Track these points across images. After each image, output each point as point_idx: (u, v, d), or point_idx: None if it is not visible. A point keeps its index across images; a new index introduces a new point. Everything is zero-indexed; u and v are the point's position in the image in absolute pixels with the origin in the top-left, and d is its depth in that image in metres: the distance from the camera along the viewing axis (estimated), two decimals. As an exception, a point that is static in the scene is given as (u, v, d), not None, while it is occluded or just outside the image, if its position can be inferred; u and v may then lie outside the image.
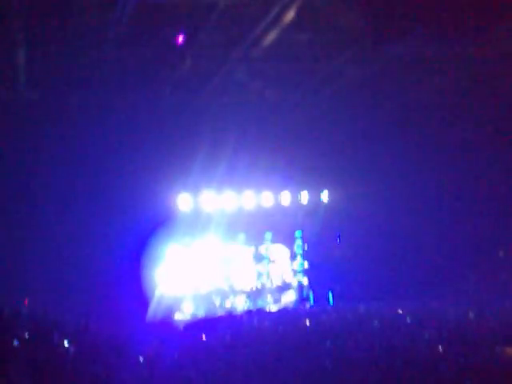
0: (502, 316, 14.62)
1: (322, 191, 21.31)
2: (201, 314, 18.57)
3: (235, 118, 17.60)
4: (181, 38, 13.38)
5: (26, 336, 7.08)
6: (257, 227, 20.61)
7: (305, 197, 21.13)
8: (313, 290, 20.91)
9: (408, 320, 14.38)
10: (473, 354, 10.52)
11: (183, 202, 19.37)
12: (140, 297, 17.21)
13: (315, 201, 21.28)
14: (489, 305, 16.09)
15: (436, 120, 18.81)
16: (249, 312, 18.14)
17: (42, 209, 16.79)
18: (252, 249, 20.81)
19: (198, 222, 19.47)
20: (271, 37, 13.69)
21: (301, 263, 21.38)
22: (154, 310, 17.30)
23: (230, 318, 17.21)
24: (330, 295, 20.57)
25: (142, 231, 17.43)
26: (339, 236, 21.48)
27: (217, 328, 14.19)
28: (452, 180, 20.02)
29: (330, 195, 21.32)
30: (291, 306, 20.15)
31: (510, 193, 20.06)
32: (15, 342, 6.56)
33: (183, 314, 18.56)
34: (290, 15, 12.46)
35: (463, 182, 19.94)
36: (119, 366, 8.19)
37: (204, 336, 12.94)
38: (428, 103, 18.15)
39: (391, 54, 14.76)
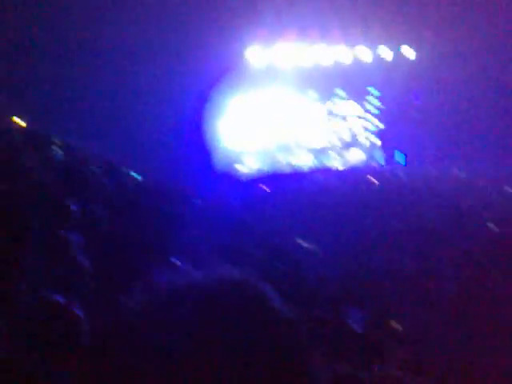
0: None
1: (401, 46, 21.00)
2: (265, 168, 19.29)
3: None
4: None
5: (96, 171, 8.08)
6: (329, 83, 20.72)
7: (384, 52, 20.95)
8: (384, 150, 21.30)
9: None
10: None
11: (253, 54, 19.62)
12: (204, 148, 17.95)
13: (394, 58, 21.04)
14: None
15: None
16: (314, 169, 18.77)
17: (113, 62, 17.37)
18: (322, 105, 21.06)
19: (267, 74, 19.73)
20: None
21: (373, 122, 21.60)
22: (217, 162, 17.99)
23: (295, 174, 17.95)
24: (402, 156, 20.94)
25: (208, 81, 17.85)
26: (417, 96, 21.37)
27: (281, 183, 15.05)
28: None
29: (414, 52, 21.01)
30: (359, 164, 20.63)
31: None
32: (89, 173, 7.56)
33: (247, 168, 19.30)
34: None
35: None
36: (184, 207, 9.12)
37: (267, 189, 13.85)
38: None
39: None
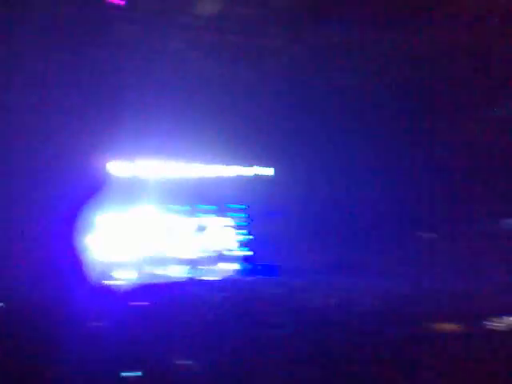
0: (437, 294, 15.14)
1: (267, 167, 21.60)
2: (136, 280, 18.31)
3: (175, 85, 17.39)
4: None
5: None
6: (198, 198, 20.66)
7: (249, 171, 21.36)
8: (253, 263, 21.11)
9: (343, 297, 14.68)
10: (408, 329, 10.81)
11: (119, 168, 19.16)
12: (73, 263, 16.85)
13: (260, 175, 21.56)
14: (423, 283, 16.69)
15: (375, 101, 19.08)
16: (187, 280, 18.15)
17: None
18: (192, 219, 20.81)
19: (135, 189, 19.30)
20: (210, 8, 13.74)
21: (242, 235, 21.58)
22: (87, 277, 16.96)
23: (167, 285, 17.08)
24: (273, 268, 20.76)
25: (74, 197, 17.08)
26: (283, 211, 21.65)
27: (153, 295, 14.06)
28: (395, 154, 20.35)
29: (275, 171, 21.65)
30: (230, 276, 20.18)
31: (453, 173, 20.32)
32: None
33: (118, 281, 18.21)
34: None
35: (406, 156, 20.27)
36: (54, 327, 7.99)
37: (140, 303, 12.78)
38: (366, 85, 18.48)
39: (326, 33, 15.12)
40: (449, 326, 11.33)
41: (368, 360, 9.02)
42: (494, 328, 11.36)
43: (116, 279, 18.31)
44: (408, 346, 9.84)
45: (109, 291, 15.54)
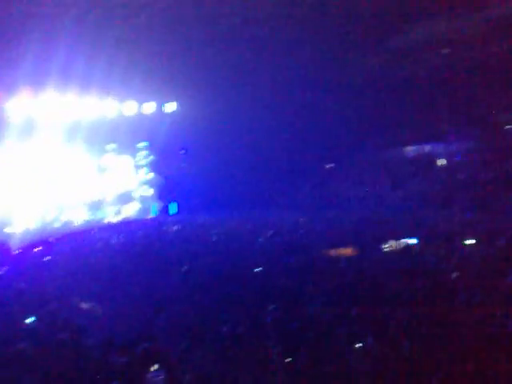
0: (330, 223, 15.83)
1: (167, 102, 21.09)
2: (36, 227, 17.56)
3: (76, 14, 16.59)
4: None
5: None
6: (99, 138, 19.78)
7: (150, 108, 20.76)
8: (157, 201, 20.96)
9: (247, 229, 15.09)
10: (306, 256, 11.36)
11: (15, 103, 17.79)
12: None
13: (161, 112, 21.06)
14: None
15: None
16: (89, 224, 17.81)
17: None
18: (94, 160, 20.07)
19: (33, 128, 18.01)
20: None
21: (145, 175, 21.27)
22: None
23: (69, 231, 16.76)
24: (175, 206, 20.76)
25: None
26: (185, 148, 21.51)
27: (57, 242, 13.95)
28: (297, 88, 20.46)
29: (176, 107, 21.21)
30: (134, 217, 20.03)
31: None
32: None
33: (16, 229, 17.25)
34: None
35: (308, 97, 20.43)
36: None
37: (42, 250, 12.72)
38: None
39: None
40: (346, 251, 11.95)
41: (269, 289, 9.48)
42: (388, 250, 12.09)
43: (13, 227, 17.40)
44: (307, 272, 10.37)
45: (9, 239, 15.16)
